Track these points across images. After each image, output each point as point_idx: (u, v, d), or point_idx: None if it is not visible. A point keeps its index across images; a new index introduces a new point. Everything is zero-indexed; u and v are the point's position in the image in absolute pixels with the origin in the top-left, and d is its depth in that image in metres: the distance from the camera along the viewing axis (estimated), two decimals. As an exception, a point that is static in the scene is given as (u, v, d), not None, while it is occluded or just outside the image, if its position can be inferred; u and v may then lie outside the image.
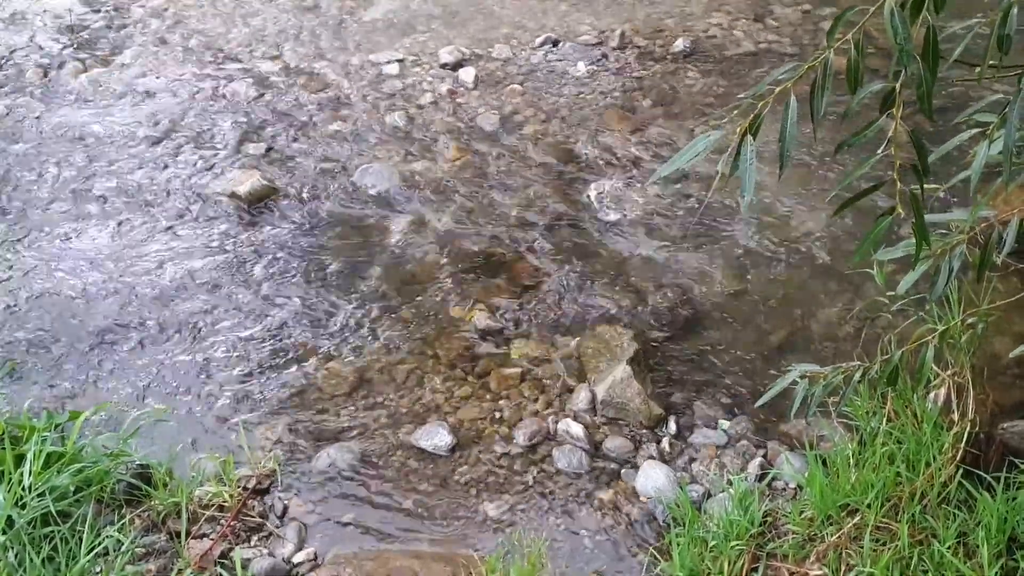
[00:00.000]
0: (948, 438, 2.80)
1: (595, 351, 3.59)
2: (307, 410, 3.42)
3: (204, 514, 2.93)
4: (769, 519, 2.86)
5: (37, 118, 5.14)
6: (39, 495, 2.61)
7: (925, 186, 1.91)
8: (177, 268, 4.08)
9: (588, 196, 4.50)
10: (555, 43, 5.85)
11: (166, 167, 4.74)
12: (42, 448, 2.73)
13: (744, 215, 4.25)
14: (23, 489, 2.60)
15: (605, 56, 5.73)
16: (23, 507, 2.57)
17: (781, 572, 2.67)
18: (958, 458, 2.79)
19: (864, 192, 1.97)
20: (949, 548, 2.55)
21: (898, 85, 1.80)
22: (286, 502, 3.07)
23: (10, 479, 2.64)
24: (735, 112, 1.79)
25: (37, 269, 4.05)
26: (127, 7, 6.39)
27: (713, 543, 2.74)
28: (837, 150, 1.96)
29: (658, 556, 2.82)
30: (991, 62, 2.08)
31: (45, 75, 5.56)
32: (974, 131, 2.32)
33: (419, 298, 3.93)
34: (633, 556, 2.89)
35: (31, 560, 2.50)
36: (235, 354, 3.64)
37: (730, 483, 2.98)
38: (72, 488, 2.75)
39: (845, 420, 3.03)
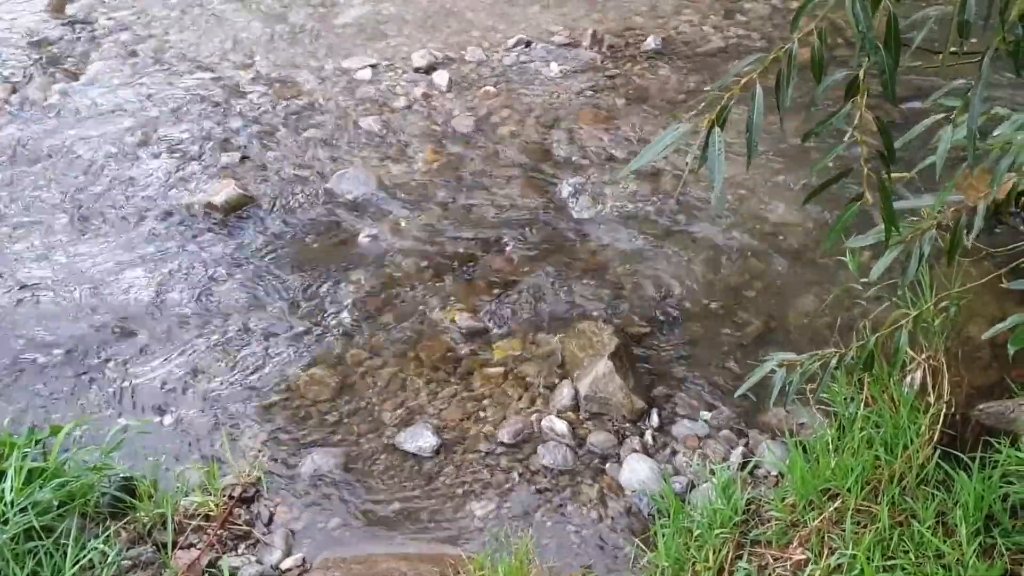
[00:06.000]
0: (925, 420, 2.84)
1: (577, 347, 3.61)
2: (290, 417, 3.42)
3: (190, 524, 2.92)
4: (752, 507, 2.89)
5: (6, 135, 5.10)
6: (21, 510, 2.60)
7: (893, 173, 1.94)
8: (155, 280, 4.07)
9: (564, 194, 4.53)
10: (528, 44, 5.87)
11: (140, 179, 4.72)
12: (23, 464, 2.72)
13: (716, 206, 4.29)
14: (5, 505, 2.59)
15: (577, 56, 5.76)
16: (5, 523, 2.57)
17: (765, 558, 2.70)
18: (935, 440, 2.83)
19: (831, 180, 2.00)
20: (929, 528, 2.59)
21: (861, 72, 1.84)
22: (272, 509, 3.07)
23: (-9, 495, 2.63)
24: (702, 105, 1.81)
25: (10, 285, 4.03)
26: (96, 20, 6.36)
27: (698, 532, 2.77)
28: (804, 139, 2.00)
29: (644, 547, 2.84)
30: (952, 49, 2.11)
31: (14, 91, 5.52)
32: (939, 116, 2.36)
33: (400, 301, 3.94)
34: (620, 549, 2.92)
35: (15, 575, 2.50)
36: (216, 363, 3.64)
37: (713, 473, 3.01)
38: (55, 503, 2.74)
39: (824, 407, 3.06)
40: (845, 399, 2.99)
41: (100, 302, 3.95)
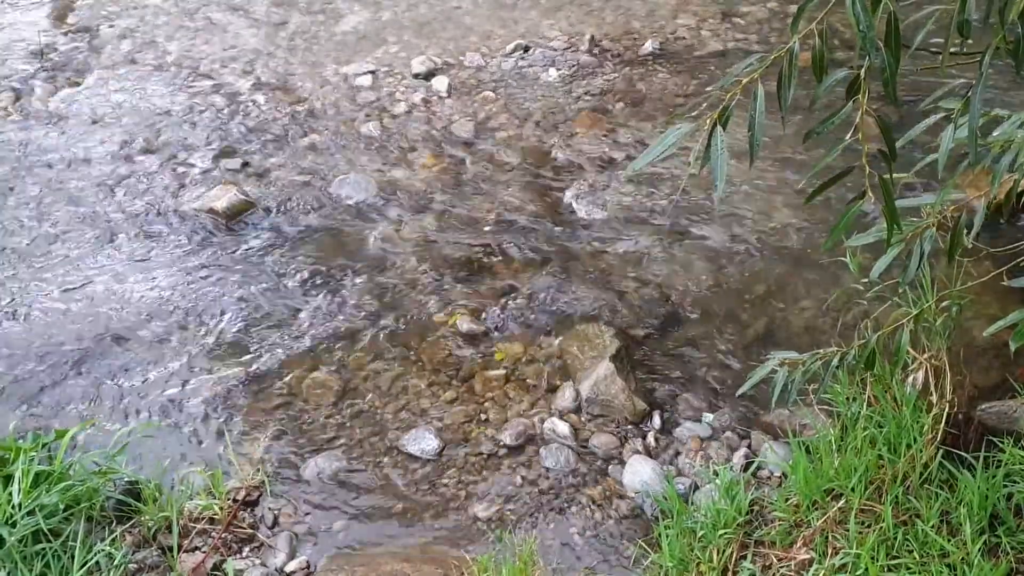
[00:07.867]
0: (928, 420, 2.85)
1: (578, 349, 3.62)
2: (293, 421, 3.42)
3: (195, 527, 2.93)
4: (756, 507, 2.90)
5: (9, 142, 5.11)
6: (29, 513, 2.62)
7: (894, 173, 1.95)
8: (157, 286, 4.07)
9: (564, 197, 4.54)
10: (526, 49, 5.89)
11: (142, 186, 4.73)
12: (29, 468, 2.73)
13: (718, 207, 4.30)
14: (13, 507, 2.60)
15: (576, 60, 5.78)
16: (13, 525, 2.58)
17: (769, 558, 2.70)
18: (938, 439, 2.84)
19: (833, 179, 2.00)
20: (932, 527, 2.59)
21: (862, 71, 1.85)
22: (276, 512, 3.07)
23: (-1, 499, 2.64)
24: (703, 105, 1.82)
25: (15, 292, 4.03)
26: (96, 28, 6.37)
27: (701, 533, 2.77)
28: (805, 139, 2.00)
29: (648, 549, 2.84)
30: (953, 49, 2.13)
31: (16, 99, 5.53)
32: (939, 116, 2.37)
33: (401, 305, 3.94)
34: (623, 550, 2.92)
35: (24, 577, 2.51)
36: (219, 368, 3.65)
37: (716, 474, 3.01)
38: (62, 506, 2.74)
39: (826, 407, 3.07)
40: (847, 399, 3.00)
41: (103, 307, 3.95)
